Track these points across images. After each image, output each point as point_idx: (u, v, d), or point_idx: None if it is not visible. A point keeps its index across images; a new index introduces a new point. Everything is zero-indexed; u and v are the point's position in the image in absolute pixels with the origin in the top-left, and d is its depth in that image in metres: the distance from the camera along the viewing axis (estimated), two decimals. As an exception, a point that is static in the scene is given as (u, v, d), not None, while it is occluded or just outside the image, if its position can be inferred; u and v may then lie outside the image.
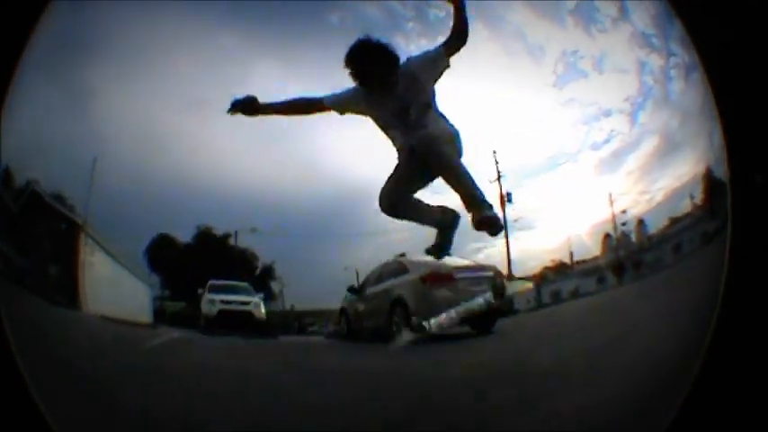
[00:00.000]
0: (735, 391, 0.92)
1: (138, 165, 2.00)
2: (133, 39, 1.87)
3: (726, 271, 0.95)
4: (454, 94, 2.22)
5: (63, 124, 1.85)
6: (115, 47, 1.85)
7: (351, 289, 3.40)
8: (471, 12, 2.08)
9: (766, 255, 0.91)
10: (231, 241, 2.70)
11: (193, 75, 2.03)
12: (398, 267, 3.28)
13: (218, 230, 2.33)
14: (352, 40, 1.94)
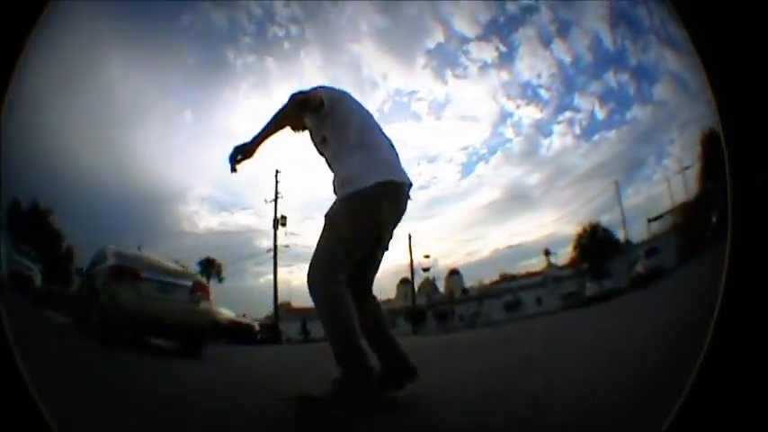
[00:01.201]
0: (735, 391, 0.92)
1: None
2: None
3: (726, 272, 0.95)
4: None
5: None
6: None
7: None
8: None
9: (766, 255, 0.91)
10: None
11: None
12: (101, 255, 2.96)
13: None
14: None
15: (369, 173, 1.82)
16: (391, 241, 2.04)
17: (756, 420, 0.91)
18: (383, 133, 2.02)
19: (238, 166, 1.84)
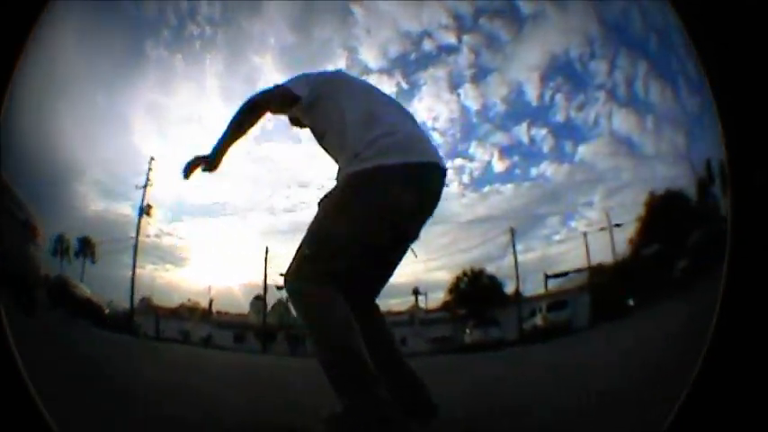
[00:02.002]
0: (734, 392, 0.92)
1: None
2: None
3: (725, 272, 0.95)
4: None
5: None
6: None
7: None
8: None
9: (766, 255, 0.91)
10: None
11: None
12: None
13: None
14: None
15: (372, 151, 1.45)
16: (414, 244, 1.61)
17: (756, 420, 0.91)
18: (397, 108, 1.64)
19: (192, 175, 1.66)
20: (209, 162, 1.65)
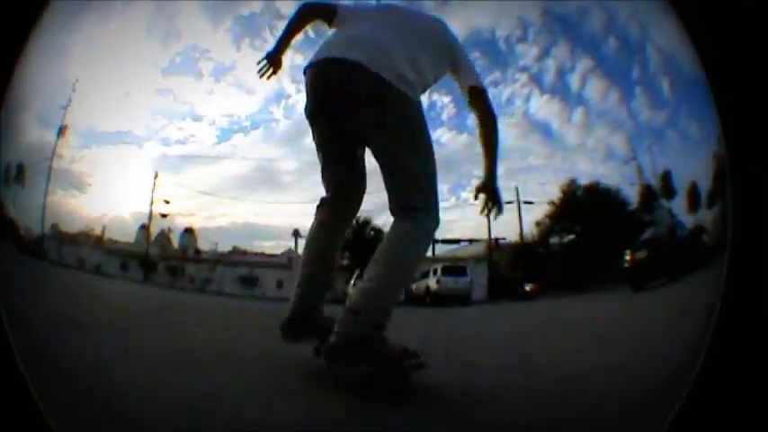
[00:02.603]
0: (734, 392, 0.92)
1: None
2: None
3: (725, 274, 0.95)
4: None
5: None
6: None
7: None
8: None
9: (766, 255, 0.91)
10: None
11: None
12: None
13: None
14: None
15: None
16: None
17: (756, 421, 0.90)
18: (394, 34, 1.60)
19: (266, 75, 1.88)
20: (271, 59, 1.84)
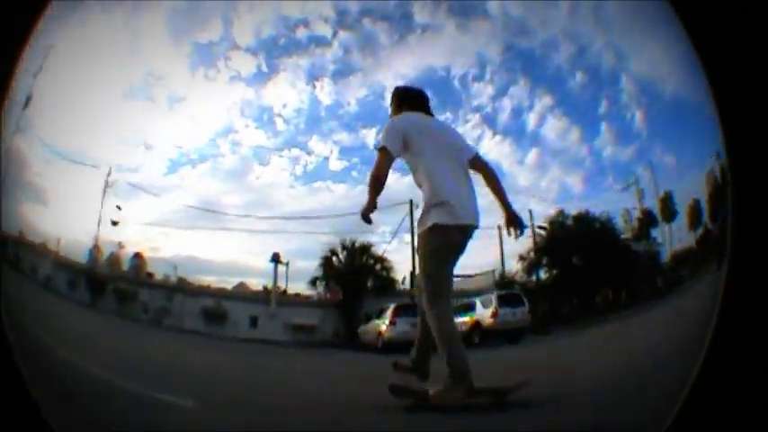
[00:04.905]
0: (734, 393, 0.93)
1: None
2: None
3: (725, 274, 0.95)
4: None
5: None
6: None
7: None
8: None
9: (764, 256, 0.91)
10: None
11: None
12: None
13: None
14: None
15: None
16: None
17: (756, 421, 0.91)
18: (457, 172, 2.18)
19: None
20: (369, 219, 2.16)
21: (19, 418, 1.00)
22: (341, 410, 1.88)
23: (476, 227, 2.10)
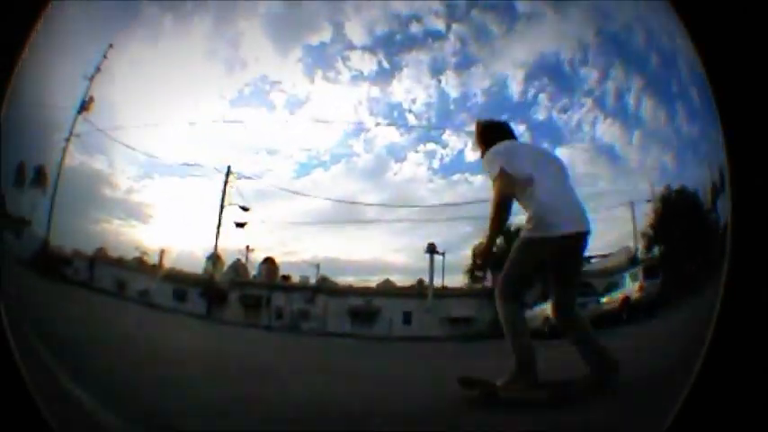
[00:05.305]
0: (734, 393, 0.93)
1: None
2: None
3: (725, 274, 0.95)
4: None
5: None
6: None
7: None
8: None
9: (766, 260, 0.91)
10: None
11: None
12: None
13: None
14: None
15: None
16: None
17: (756, 421, 0.91)
18: (561, 182, 2.27)
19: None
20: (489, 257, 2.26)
21: (19, 418, 1.00)
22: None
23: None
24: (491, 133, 2.44)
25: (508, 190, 2.14)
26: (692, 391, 0.95)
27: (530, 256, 2.13)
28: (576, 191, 2.30)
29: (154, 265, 5.20)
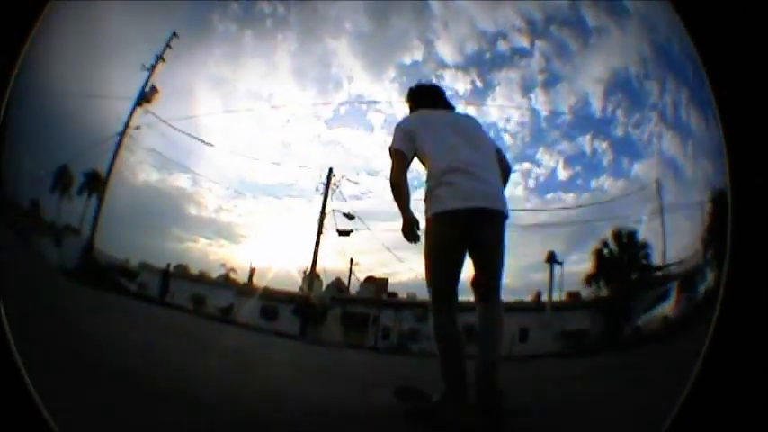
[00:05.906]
0: (734, 393, 0.93)
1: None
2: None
3: (726, 275, 0.95)
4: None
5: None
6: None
7: None
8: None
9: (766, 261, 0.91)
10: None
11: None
12: None
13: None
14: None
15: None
16: None
17: (756, 421, 0.91)
18: (469, 150, 2.01)
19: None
20: (413, 236, 1.98)
21: (19, 418, 1.00)
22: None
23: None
24: (415, 99, 2.25)
25: (393, 177, 1.98)
26: (692, 390, 0.95)
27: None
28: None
29: (244, 283, 4.89)
